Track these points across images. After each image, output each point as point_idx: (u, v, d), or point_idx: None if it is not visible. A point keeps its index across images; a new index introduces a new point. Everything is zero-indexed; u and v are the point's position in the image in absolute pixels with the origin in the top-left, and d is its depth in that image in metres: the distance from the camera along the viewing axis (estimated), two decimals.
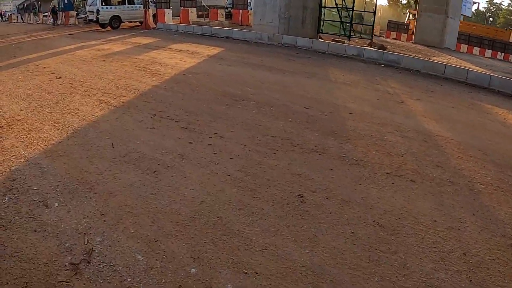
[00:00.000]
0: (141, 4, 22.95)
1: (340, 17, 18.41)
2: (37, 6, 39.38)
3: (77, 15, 28.75)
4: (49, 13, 27.31)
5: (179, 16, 24.72)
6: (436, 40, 23.47)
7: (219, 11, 27.79)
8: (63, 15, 28.22)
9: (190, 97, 7.52)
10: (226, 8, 31.30)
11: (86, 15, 29.59)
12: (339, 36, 18.39)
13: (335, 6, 18.27)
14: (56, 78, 9.08)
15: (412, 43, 24.21)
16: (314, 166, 4.75)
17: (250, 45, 16.21)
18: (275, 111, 6.81)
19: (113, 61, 11.20)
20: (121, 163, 4.61)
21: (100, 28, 22.47)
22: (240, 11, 27.77)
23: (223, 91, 8.02)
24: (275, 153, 5.07)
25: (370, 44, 17.59)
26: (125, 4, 22.43)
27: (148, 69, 10.03)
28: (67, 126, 5.76)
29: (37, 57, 12.40)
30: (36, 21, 33.10)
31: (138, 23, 23.65)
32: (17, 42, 17.41)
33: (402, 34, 31.96)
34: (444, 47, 23.01)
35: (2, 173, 4.28)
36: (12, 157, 4.69)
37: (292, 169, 4.63)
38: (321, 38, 18.38)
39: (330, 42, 16.32)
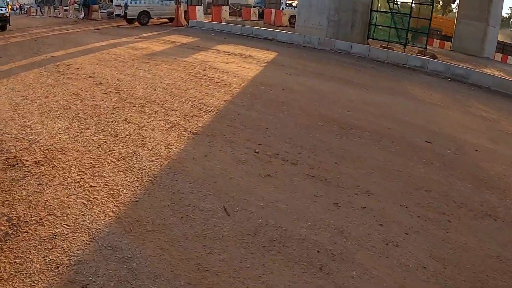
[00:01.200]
0: (172, 0, 20.91)
1: (394, 23, 16.36)
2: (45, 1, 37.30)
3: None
4: (81, 6, 25.24)
5: (209, 14, 22.64)
6: (476, 48, 21.72)
7: (252, 10, 25.70)
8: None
9: (285, 121, 5.67)
10: (254, 6, 29.17)
11: (110, 9, 27.77)
12: (388, 42, 16.41)
13: (390, 11, 16.26)
14: (96, 84, 7.12)
15: (450, 50, 22.12)
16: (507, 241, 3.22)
17: (300, 49, 14.34)
18: (398, 147, 5.14)
19: (158, 64, 9.30)
20: (258, 251, 2.72)
21: (127, 23, 20.62)
22: (273, 10, 25.79)
23: (319, 114, 6.15)
24: (449, 221, 3.50)
25: (423, 54, 15.46)
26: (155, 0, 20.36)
27: (207, 76, 8.10)
28: (138, 168, 3.74)
29: (65, 55, 10.56)
30: (57, 15, 31.28)
31: (166, 20, 21.74)
32: (40, 36, 15.52)
33: (435, 40, 29.51)
34: (484, 56, 21.05)
35: (57, 271, 2.22)
36: (66, 231, 2.69)
37: (484, 246, 3.14)
38: (369, 44, 16.43)
39: (390, 50, 14.29)
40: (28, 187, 3.37)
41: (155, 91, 6.83)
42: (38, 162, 3.90)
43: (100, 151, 4.21)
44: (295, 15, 28.99)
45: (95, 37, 14.64)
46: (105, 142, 4.50)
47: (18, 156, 4.01)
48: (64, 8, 30.86)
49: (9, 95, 6.50)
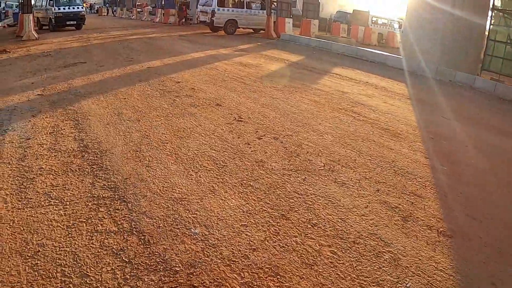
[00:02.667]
0: (261, 9, 18.81)
1: None
2: (118, 1, 36.49)
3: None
4: (177, 8, 23.69)
5: (295, 27, 20.56)
6: None
7: (341, 25, 23.25)
8: (163, 12, 24.84)
9: None
10: (335, 21, 26.72)
11: (195, 16, 26.29)
12: (500, 75, 13.48)
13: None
14: (235, 119, 5.20)
15: None
16: None
17: (417, 77, 11.80)
18: None
19: (290, 91, 7.23)
20: None
21: (211, 31, 19.03)
22: (361, 28, 23.14)
23: None
24: None
25: None
26: (243, 8, 18.37)
27: (364, 116, 6.03)
28: None
29: (165, 67, 8.76)
30: (129, 17, 30.21)
31: (251, 30, 19.87)
32: (122, 40, 13.81)
33: None
34: None
35: None
36: None
37: None
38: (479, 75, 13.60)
39: None
40: None
41: (324, 139, 4.54)
42: None
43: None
44: (381, 33, 26.84)
45: (186, 46, 12.73)
46: (334, 255, 2.05)
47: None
48: (138, 10, 29.66)
49: (117, 125, 4.51)
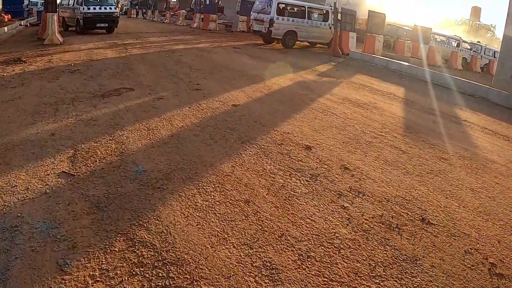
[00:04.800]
0: (322, 20, 15.71)
1: None
2: (150, 3, 33.62)
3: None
4: (194, 13, 20.93)
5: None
6: None
7: (406, 43, 20.00)
8: (201, 17, 21.90)
9: None
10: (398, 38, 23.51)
11: (227, 21, 23.37)
12: None
13: None
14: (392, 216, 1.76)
15: None
16: None
17: None
18: None
19: (476, 169, 4.26)
20: None
21: (264, 42, 16.14)
22: (424, 46, 20.40)
23: None
24: None
25: None
26: (304, 18, 15.30)
27: None
28: None
29: (255, 105, 5.87)
30: (162, 20, 27.42)
31: (307, 43, 16.93)
32: (168, 50, 10.90)
33: None
34: None
35: None
36: None
37: None
38: None
39: None
40: None
41: None
42: None
43: None
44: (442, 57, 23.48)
45: (251, 63, 9.98)
46: None
47: None
48: (171, 14, 26.85)
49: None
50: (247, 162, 3.58)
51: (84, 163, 3.29)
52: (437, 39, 24.98)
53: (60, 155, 3.43)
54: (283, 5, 15.03)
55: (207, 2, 21.15)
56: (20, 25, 18.20)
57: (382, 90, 8.17)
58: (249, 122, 4.78)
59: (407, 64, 13.27)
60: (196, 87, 6.47)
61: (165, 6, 29.74)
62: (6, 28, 14.33)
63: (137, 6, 35.25)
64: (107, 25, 15.23)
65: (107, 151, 3.58)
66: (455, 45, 24.67)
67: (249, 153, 3.80)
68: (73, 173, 3.12)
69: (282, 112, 5.43)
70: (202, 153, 3.69)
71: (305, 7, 15.41)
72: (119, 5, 21.78)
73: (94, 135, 3.98)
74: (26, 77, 6.61)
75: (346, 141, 4.45)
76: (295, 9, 15.61)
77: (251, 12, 15.93)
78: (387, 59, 14.09)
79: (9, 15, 20.38)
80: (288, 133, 4.53)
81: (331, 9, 15.98)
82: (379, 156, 4.11)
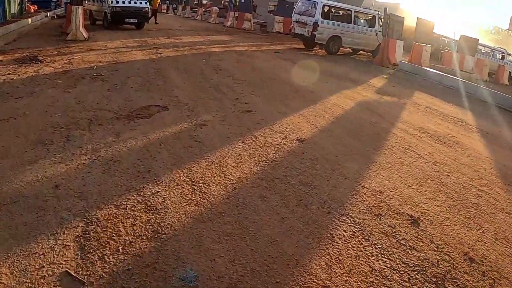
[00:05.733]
0: (369, 26, 14.22)
1: None
2: None
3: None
4: (229, 11, 19.71)
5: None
6: None
7: (454, 55, 18.20)
8: (235, 16, 20.59)
9: None
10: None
11: (261, 20, 22.03)
12: None
13: None
14: None
15: None
16: None
17: None
18: None
19: None
20: None
21: (304, 47, 14.77)
22: (470, 58, 18.48)
23: None
24: None
25: None
26: (350, 23, 13.79)
27: None
28: None
29: (324, 141, 4.58)
30: (194, 17, 26.26)
31: (350, 50, 15.46)
32: (204, 53, 9.58)
33: None
34: None
35: None
36: None
37: None
38: None
39: None
40: None
41: None
42: None
43: None
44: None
45: (297, 73, 8.83)
46: None
47: None
48: (203, 10, 25.65)
49: None
50: (346, 256, 2.27)
51: (100, 255, 2.02)
52: (482, 51, 23.09)
53: (64, 233, 2.19)
54: (328, 8, 13.59)
55: (242, 0, 19.78)
56: (46, 16, 17.22)
57: (451, 115, 6.76)
58: (326, 171, 3.43)
59: (462, 80, 11.67)
60: (246, 108, 5.15)
61: (196, 2, 28.56)
62: (30, 19, 13.29)
63: (167, 1, 34.18)
64: (136, 20, 14.08)
65: (135, 229, 2.27)
66: (500, 57, 22.72)
67: (343, 235, 2.48)
68: (81, 278, 1.79)
69: (358, 152, 4.08)
70: (277, 236, 2.36)
71: (351, 10, 13.97)
72: (158, 2, 20.38)
73: (116, 193, 2.66)
74: (38, 83, 5.41)
75: (452, 206, 3.17)
76: (341, 12, 14.18)
77: (293, 14, 14.58)
78: (441, 73, 12.59)
79: (36, 6, 19.41)
80: (380, 192, 3.18)
81: (379, 14, 14.45)
82: (497, 231, 2.92)
